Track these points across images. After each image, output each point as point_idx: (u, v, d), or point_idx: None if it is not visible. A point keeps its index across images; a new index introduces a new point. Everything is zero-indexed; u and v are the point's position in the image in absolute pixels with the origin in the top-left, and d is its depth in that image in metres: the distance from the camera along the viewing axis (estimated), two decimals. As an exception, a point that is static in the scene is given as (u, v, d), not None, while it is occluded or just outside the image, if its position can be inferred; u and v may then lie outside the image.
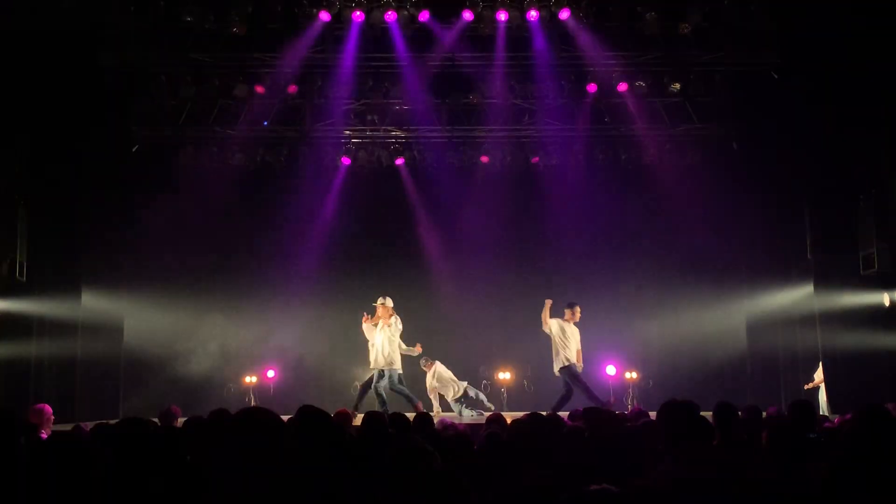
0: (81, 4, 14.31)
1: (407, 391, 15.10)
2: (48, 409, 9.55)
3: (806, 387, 15.61)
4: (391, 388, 14.97)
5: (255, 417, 3.50)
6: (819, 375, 15.50)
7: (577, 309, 15.21)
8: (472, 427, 8.82)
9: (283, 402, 15.54)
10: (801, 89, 15.31)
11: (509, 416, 9.17)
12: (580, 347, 15.00)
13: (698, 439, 5.00)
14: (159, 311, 16.47)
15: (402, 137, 17.77)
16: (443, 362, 16.44)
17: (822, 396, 15.25)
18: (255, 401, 16.99)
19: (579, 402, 13.65)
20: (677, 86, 16.24)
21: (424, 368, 16.34)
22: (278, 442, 3.46)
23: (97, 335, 15.58)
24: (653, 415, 8.17)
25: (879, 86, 13.84)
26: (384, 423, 6.31)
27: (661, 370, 17.62)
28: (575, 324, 15.11)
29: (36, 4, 13.80)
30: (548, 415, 6.77)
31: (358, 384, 17.72)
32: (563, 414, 8.75)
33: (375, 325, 15.13)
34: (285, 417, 4.79)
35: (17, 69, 13.86)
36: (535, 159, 17.92)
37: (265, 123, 17.03)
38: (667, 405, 5.29)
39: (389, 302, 15.17)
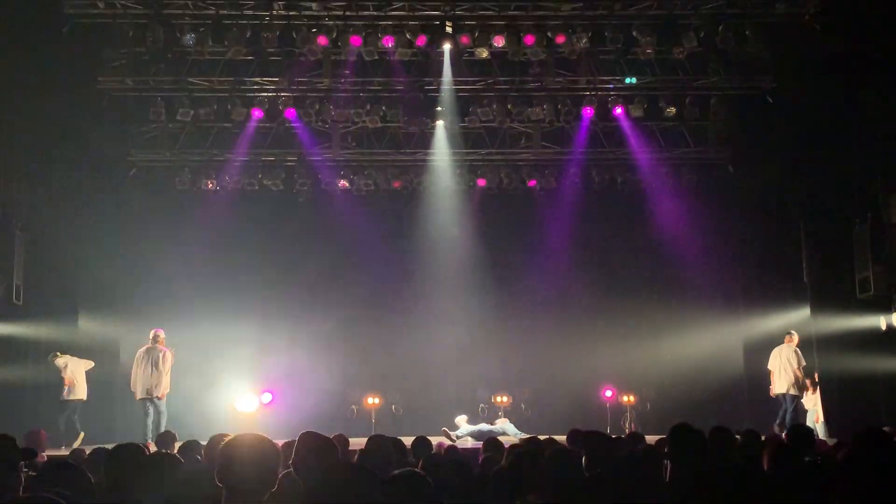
0: (82, 29, 14.40)
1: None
2: (43, 433, 9.53)
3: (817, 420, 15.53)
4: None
5: (250, 443, 3.49)
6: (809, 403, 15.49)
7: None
8: (471, 451, 8.80)
9: (280, 425, 15.49)
10: (795, 113, 15.40)
11: (507, 440, 9.16)
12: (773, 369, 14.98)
13: (702, 465, 5.01)
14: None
15: (399, 161, 17.85)
16: (439, 384, 16.40)
17: (813, 419, 15.22)
18: (250, 425, 16.90)
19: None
20: (672, 110, 16.32)
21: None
22: (274, 467, 3.45)
23: (93, 359, 15.50)
24: (650, 438, 8.17)
25: (873, 109, 13.90)
26: (389, 448, 6.30)
27: (657, 393, 17.61)
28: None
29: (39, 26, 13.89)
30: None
31: (355, 408, 17.70)
32: (561, 437, 8.73)
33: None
34: (281, 442, 4.79)
35: (15, 93, 13.90)
36: (532, 182, 17.99)
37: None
38: (678, 428, 5.28)
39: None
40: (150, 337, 14.37)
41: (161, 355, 14.18)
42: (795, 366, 14.64)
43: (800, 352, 14.74)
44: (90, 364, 14.66)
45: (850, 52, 13.81)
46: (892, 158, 13.98)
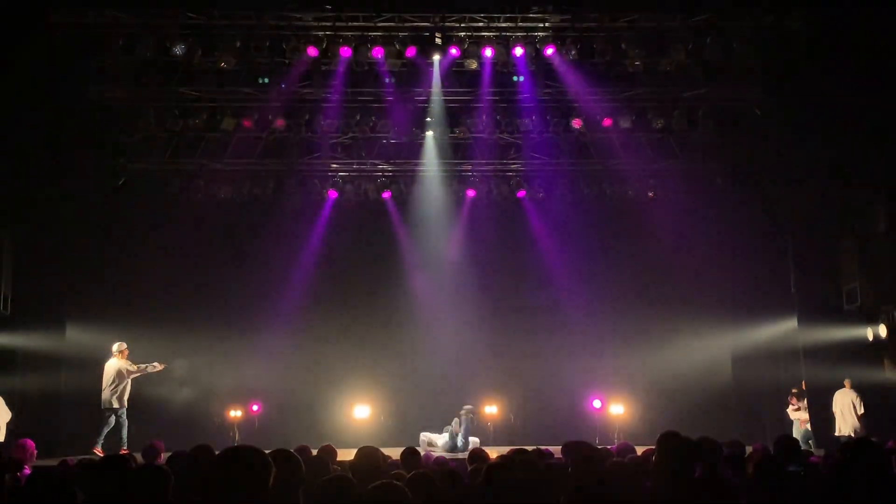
0: (72, 38, 14.37)
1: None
2: (31, 443, 9.47)
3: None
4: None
5: (240, 457, 3.49)
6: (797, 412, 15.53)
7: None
8: (459, 462, 8.80)
9: (268, 435, 15.45)
10: (783, 124, 15.49)
11: (495, 451, 9.17)
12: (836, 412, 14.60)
13: (691, 475, 5.02)
14: (144, 345, 16.32)
15: (388, 171, 17.87)
16: (429, 395, 16.35)
17: (799, 429, 15.26)
18: (238, 435, 16.88)
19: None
20: (661, 121, 16.39)
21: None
22: (266, 479, 3.45)
23: (81, 369, 15.44)
24: (638, 449, 8.19)
25: (861, 120, 14.00)
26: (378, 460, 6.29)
27: (646, 404, 17.63)
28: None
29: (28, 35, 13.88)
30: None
31: (344, 418, 17.65)
32: (549, 447, 8.76)
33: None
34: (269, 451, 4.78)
35: (4, 102, 13.87)
36: (522, 193, 18.05)
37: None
38: (666, 436, 5.29)
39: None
40: (115, 350, 14.34)
41: (125, 369, 14.22)
42: (859, 412, 14.32)
43: (859, 397, 14.41)
44: (9, 415, 14.09)
45: (836, 64, 13.91)
46: (880, 171, 14.08)
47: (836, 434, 14.55)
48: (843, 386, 14.58)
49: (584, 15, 14.78)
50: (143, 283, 17.01)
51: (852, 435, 14.27)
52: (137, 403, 16.00)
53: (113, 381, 14.20)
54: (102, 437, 13.95)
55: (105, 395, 14.17)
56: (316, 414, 17.49)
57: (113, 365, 14.30)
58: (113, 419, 14.10)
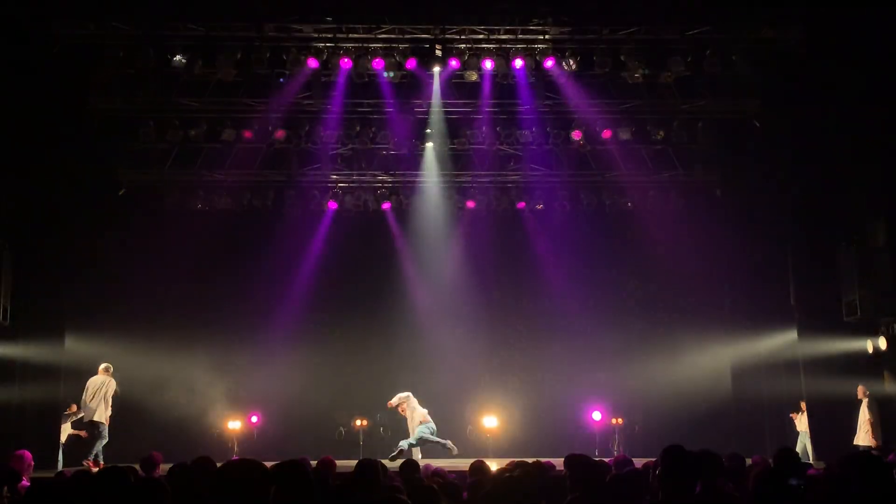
0: (73, 49, 14.40)
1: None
2: (28, 455, 9.43)
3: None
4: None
5: (241, 470, 3.49)
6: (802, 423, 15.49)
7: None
8: (458, 474, 8.77)
9: (267, 447, 15.45)
10: (782, 137, 15.51)
11: (495, 463, 9.15)
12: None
13: (693, 489, 5.01)
14: (143, 356, 16.33)
15: (388, 182, 17.89)
16: (428, 407, 16.33)
17: (805, 443, 15.22)
18: (237, 447, 16.84)
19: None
20: (660, 133, 16.41)
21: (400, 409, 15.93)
22: (263, 496, 3.45)
23: (80, 380, 15.42)
24: (638, 462, 8.17)
25: (860, 133, 14.02)
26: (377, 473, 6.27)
27: (646, 416, 17.61)
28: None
29: (29, 47, 13.91)
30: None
31: (342, 430, 17.64)
32: (548, 459, 8.72)
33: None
34: (269, 464, 4.77)
35: (4, 114, 13.88)
36: (521, 204, 18.06)
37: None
38: (671, 450, 5.28)
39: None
40: (103, 368, 14.42)
41: (111, 387, 14.34)
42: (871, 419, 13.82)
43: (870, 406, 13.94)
44: None
45: (835, 77, 13.95)
46: (877, 183, 14.09)
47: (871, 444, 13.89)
48: (861, 395, 14.19)
49: (584, 27, 14.83)
50: (142, 295, 17.00)
51: (870, 445, 14.01)
52: (136, 413, 16.05)
53: (94, 396, 14.23)
54: (100, 450, 13.91)
55: (92, 408, 14.17)
56: (315, 426, 17.47)
57: (101, 380, 14.31)
58: (105, 431, 14.11)
